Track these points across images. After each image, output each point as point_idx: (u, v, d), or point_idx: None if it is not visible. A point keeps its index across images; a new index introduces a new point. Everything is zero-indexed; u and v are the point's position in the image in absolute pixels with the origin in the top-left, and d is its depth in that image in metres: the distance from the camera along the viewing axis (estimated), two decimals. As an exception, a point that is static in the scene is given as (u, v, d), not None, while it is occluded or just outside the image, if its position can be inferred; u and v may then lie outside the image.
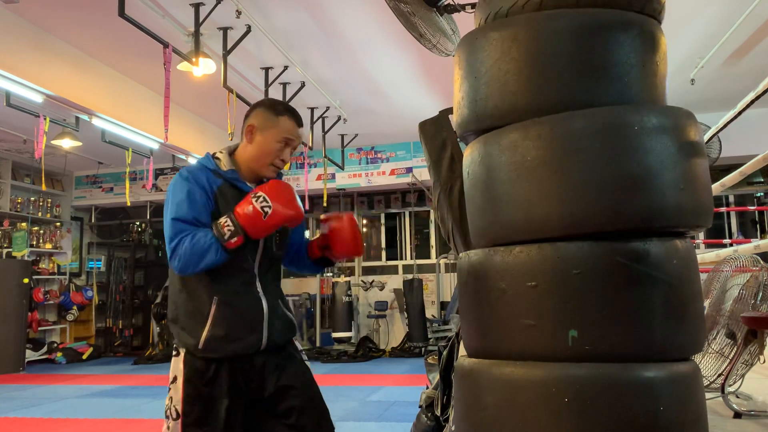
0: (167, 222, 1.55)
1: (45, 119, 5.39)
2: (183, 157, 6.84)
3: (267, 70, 5.54)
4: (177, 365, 1.60)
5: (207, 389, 1.57)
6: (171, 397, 1.58)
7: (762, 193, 7.93)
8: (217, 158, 1.67)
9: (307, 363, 1.76)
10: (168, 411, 1.58)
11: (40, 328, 8.19)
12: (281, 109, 1.67)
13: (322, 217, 1.85)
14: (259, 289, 1.66)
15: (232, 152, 1.70)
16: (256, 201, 1.51)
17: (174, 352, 1.64)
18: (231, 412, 1.58)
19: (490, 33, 1.38)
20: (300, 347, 1.78)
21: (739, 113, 2.81)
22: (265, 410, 1.64)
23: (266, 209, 1.51)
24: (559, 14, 1.32)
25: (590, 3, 1.33)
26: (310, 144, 6.76)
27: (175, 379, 1.59)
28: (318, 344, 8.58)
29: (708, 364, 2.44)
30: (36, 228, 8.57)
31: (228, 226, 1.50)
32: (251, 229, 1.51)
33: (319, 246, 1.83)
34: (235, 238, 1.50)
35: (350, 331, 8.07)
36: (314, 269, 1.92)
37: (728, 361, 2.32)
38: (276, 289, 1.74)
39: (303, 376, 1.70)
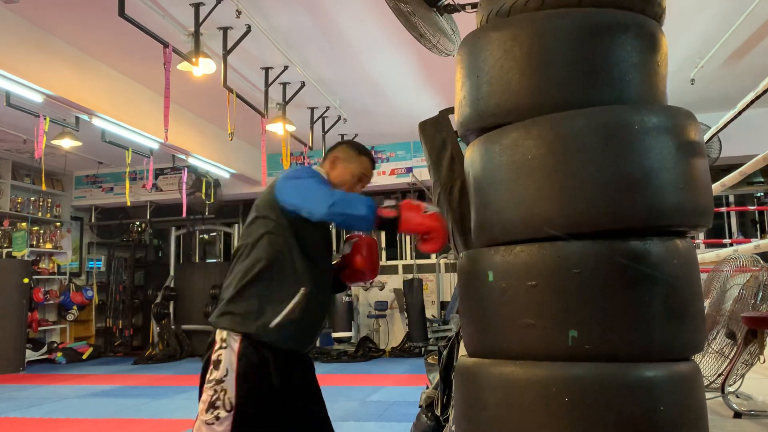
0: (308, 185, 1.64)
1: (45, 119, 5.39)
2: (183, 157, 6.84)
3: (267, 70, 5.53)
4: (229, 357, 1.57)
5: (263, 385, 1.58)
6: (224, 390, 1.55)
7: (762, 193, 7.93)
8: (318, 171, 1.80)
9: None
10: (217, 401, 1.55)
11: (40, 328, 8.19)
12: (363, 150, 1.89)
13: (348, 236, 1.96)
14: (329, 294, 1.82)
15: None
16: (422, 211, 1.63)
17: (222, 344, 1.59)
18: (283, 407, 1.62)
19: (491, 32, 1.39)
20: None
21: (739, 113, 2.81)
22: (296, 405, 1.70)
23: (427, 209, 1.63)
24: (561, 13, 1.32)
25: (592, 3, 1.33)
26: (310, 144, 6.75)
27: (227, 372, 1.56)
28: (318, 344, 8.58)
29: (708, 364, 2.44)
30: (36, 228, 8.57)
31: (387, 201, 1.64)
32: (407, 214, 1.61)
33: (339, 266, 1.91)
34: (389, 210, 1.59)
35: (350, 331, 8.07)
36: (337, 288, 1.98)
37: (728, 361, 2.32)
38: (330, 293, 1.88)
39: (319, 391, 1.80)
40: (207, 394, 1.57)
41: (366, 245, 1.87)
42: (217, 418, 1.54)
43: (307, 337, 1.74)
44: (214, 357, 1.60)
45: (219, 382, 1.56)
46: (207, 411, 1.55)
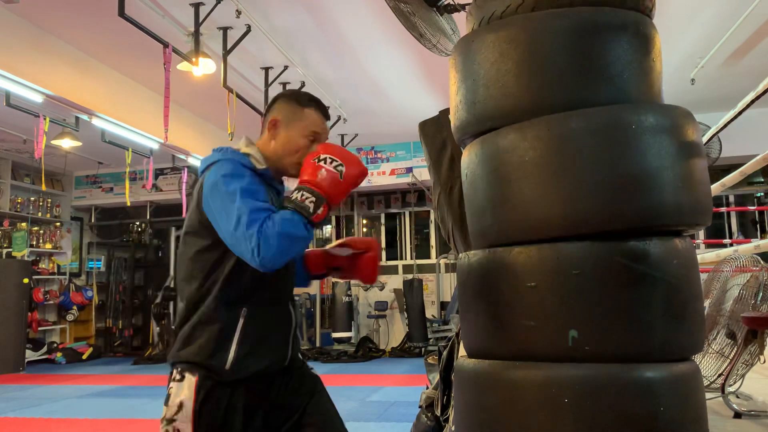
0: (230, 210, 1.27)
1: (45, 119, 5.38)
2: (183, 157, 6.84)
3: (267, 70, 5.53)
4: (183, 390, 1.35)
5: (221, 421, 1.35)
6: (174, 419, 1.33)
7: (762, 193, 7.92)
8: (248, 154, 1.45)
9: (315, 372, 1.62)
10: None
11: (40, 328, 8.18)
12: (306, 100, 1.51)
13: (341, 241, 1.67)
14: (288, 298, 1.51)
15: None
16: (326, 163, 1.33)
17: (177, 376, 1.37)
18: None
19: (486, 35, 1.38)
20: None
21: (739, 113, 2.81)
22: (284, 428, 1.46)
23: (340, 168, 1.33)
24: (554, 14, 1.32)
25: (585, 2, 1.33)
26: (310, 144, 6.75)
27: (181, 405, 1.34)
28: (318, 344, 8.57)
29: (708, 364, 2.44)
30: (36, 228, 8.57)
31: (307, 197, 1.29)
32: (333, 192, 1.32)
33: (328, 265, 1.66)
34: (321, 209, 1.30)
35: (350, 331, 8.07)
36: (304, 282, 1.71)
37: (728, 361, 2.32)
38: (293, 297, 1.58)
39: (324, 402, 1.55)
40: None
41: (372, 260, 1.62)
42: None
43: (278, 352, 1.45)
44: (168, 390, 1.38)
45: (170, 421, 1.34)
46: None
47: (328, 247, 1.69)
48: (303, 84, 5.81)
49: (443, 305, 8.54)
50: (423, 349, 7.90)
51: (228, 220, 1.28)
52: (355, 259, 1.63)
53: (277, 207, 1.34)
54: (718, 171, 5.56)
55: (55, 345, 8.52)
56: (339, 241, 1.67)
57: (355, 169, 1.35)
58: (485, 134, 1.37)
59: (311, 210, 1.28)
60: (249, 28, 4.67)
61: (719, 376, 2.32)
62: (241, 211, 1.26)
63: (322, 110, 1.53)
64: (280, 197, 1.47)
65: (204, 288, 1.38)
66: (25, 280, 7.56)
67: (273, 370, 1.44)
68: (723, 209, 7.58)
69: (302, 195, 1.30)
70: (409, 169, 8.11)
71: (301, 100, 1.51)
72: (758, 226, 7.93)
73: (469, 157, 1.42)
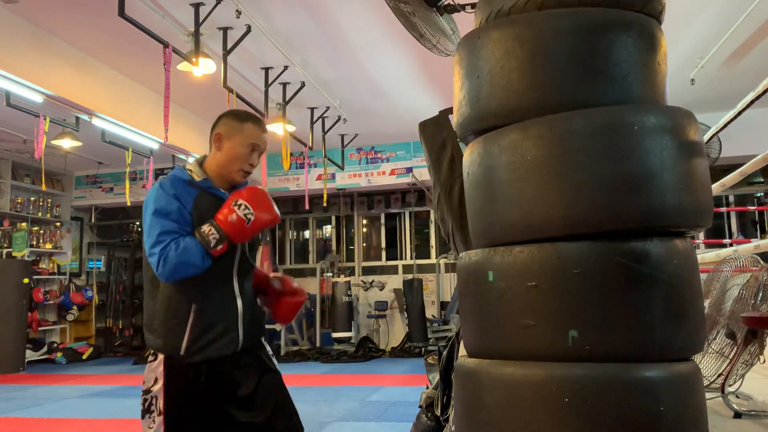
0: (148, 229, 1.61)
1: (45, 119, 5.39)
2: (183, 157, 6.84)
3: (267, 70, 5.53)
4: (156, 368, 1.65)
5: (187, 390, 1.65)
6: (154, 397, 1.64)
7: (762, 193, 7.93)
8: (189, 170, 1.75)
9: (275, 363, 1.83)
10: (150, 407, 1.65)
11: (40, 328, 8.18)
12: (244, 116, 1.79)
13: (282, 276, 1.92)
14: (236, 289, 1.73)
15: (201, 163, 1.79)
16: (239, 209, 1.61)
17: (151, 357, 1.68)
18: (206, 412, 1.68)
19: (492, 32, 1.38)
20: (268, 349, 1.85)
21: (739, 113, 2.81)
22: (236, 410, 1.71)
23: (249, 216, 1.62)
24: (562, 13, 1.32)
25: (592, 2, 1.33)
26: (310, 144, 6.75)
27: (155, 380, 1.65)
28: (318, 344, 8.57)
29: (708, 364, 2.44)
30: (36, 228, 8.56)
31: (212, 234, 1.59)
32: (236, 235, 1.61)
33: (261, 286, 1.90)
34: (221, 246, 1.60)
35: (350, 331, 8.07)
36: None
37: (728, 361, 2.32)
38: (250, 289, 1.80)
39: (272, 381, 1.77)
40: (141, 405, 1.68)
41: (291, 304, 1.88)
42: (153, 421, 1.64)
43: (228, 336, 1.68)
44: (147, 368, 1.69)
45: (147, 392, 1.67)
46: (143, 418, 1.67)
47: (273, 274, 1.93)
48: (303, 84, 5.81)
49: (443, 305, 8.54)
50: (423, 349, 7.90)
51: (147, 236, 1.62)
52: (279, 297, 1.88)
53: (214, 211, 1.63)
54: (718, 171, 5.56)
55: (55, 345, 8.52)
56: (280, 275, 1.92)
57: (265, 216, 1.64)
58: (488, 132, 1.38)
59: (212, 245, 1.59)
60: (249, 28, 4.67)
61: (719, 376, 2.32)
62: (152, 232, 1.59)
63: (259, 124, 1.80)
64: (221, 202, 1.68)
65: (156, 285, 1.67)
66: (25, 280, 7.55)
67: (226, 353, 1.67)
68: (723, 209, 7.59)
69: (210, 230, 1.60)
70: (409, 169, 8.11)
71: (240, 116, 1.79)
72: (758, 226, 7.94)
73: (470, 156, 1.42)
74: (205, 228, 1.60)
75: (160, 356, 1.66)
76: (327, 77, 5.81)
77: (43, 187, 7.57)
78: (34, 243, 8.46)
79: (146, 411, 1.66)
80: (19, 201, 8.39)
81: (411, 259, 8.95)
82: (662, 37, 1.37)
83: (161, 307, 1.67)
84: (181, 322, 1.64)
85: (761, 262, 2.50)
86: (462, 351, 1.68)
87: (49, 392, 5.78)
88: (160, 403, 1.63)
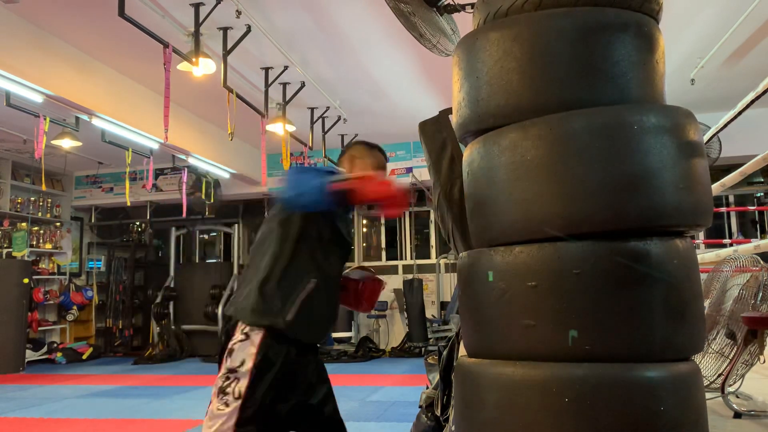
0: (302, 175, 1.71)
1: (45, 119, 5.39)
2: (183, 157, 6.84)
3: (267, 70, 5.53)
4: (248, 349, 1.61)
5: (275, 379, 1.62)
6: (237, 379, 1.59)
7: (762, 193, 7.93)
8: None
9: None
10: (228, 388, 1.59)
11: (40, 328, 8.18)
12: (373, 145, 2.08)
13: (359, 265, 2.05)
14: (338, 283, 1.88)
15: None
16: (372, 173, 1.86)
17: (241, 336, 1.63)
18: (287, 408, 1.68)
19: (490, 33, 1.38)
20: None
21: (739, 113, 2.81)
22: (309, 408, 1.75)
23: (382, 177, 1.80)
24: (560, 13, 1.32)
25: (590, 2, 1.33)
26: (310, 144, 6.75)
27: (242, 362, 1.60)
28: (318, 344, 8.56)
29: (708, 364, 2.44)
30: (36, 228, 8.56)
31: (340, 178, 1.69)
32: (360, 184, 1.64)
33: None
34: (342, 183, 1.64)
35: (350, 331, 8.07)
36: None
37: (728, 361, 2.32)
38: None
39: (337, 413, 1.84)
40: (220, 381, 1.62)
41: (376, 290, 1.99)
42: (226, 404, 1.58)
43: (323, 328, 1.81)
44: (232, 347, 1.64)
45: (233, 371, 1.61)
46: (217, 396, 1.61)
47: (346, 271, 2.01)
48: (303, 84, 5.81)
49: (443, 305, 8.54)
50: (423, 349, 7.90)
51: (292, 181, 1.74)
52: (364, 284, 1.97)
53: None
54: (718, 171, 5.56)
55: (55, 345, 8.51)
56: (357, 265, 1.96)
57: (382, 191, 1.66)
58: (487, 132, 1.38)
59: (338, 178, 1.69)
60: (249, 28, 4.67)
61: (719, 376, 2.32)
62: (304, 175, 1.72)
63: (383, 153, 2.08)
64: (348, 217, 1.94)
65: (277, 257, 1.72)
66: (25, 280, 7.55)
67: (316, 341, 1.80)
68: (723, 209, 7.58)
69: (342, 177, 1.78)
70: (409, 169, 8.11)
71: (371, 145, 2.07)
72: (758, 226, 7.94)
73: (470, 156, 1.42)
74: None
75: (258, 334, 1.62)
76: (327, 77, 5.81)
77: (43, 187, 7.58)
78: (34, 243, 8.45)
79: (221, 391, 1.60)
80: (19, 201, 8.39)
81: (411, 259, 8.95)
82: (660, 36, 1.37)
83: (281, 269, 1.69)
84: (296, 292, 1.67)
85: (761, 262, 2.51)
86: (462, 351, 1.68)
87: (49, 392, 5.78)
88: (242, 386, 1.58)
